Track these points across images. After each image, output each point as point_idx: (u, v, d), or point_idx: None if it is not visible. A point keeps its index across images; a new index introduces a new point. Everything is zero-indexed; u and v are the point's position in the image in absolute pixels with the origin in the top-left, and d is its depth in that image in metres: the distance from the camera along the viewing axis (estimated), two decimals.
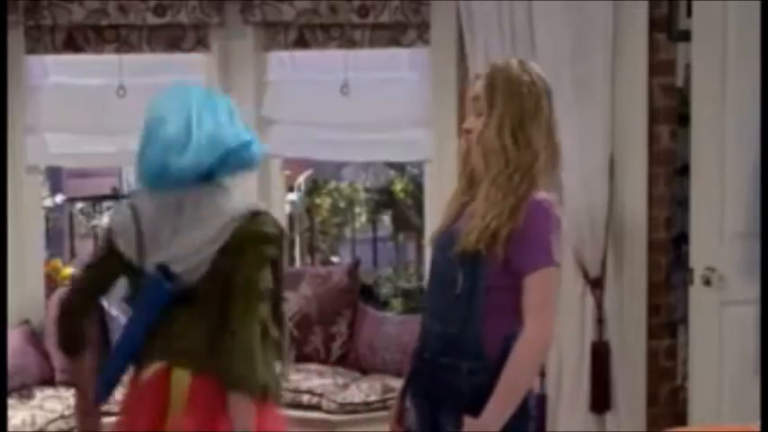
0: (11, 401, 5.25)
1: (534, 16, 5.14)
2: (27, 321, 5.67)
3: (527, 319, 3.33)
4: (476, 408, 3.30)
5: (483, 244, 3.31)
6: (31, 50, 5.64)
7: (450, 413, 3.39)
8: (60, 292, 5.39)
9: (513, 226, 3.30)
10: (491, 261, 3.33)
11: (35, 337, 5.61)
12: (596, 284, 5.25)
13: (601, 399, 5.26)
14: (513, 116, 3.40)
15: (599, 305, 5.25)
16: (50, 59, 5.78)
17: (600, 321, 5.25)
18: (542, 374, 5.02)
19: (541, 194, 3.36)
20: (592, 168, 5.17)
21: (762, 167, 4.52)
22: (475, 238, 3.32)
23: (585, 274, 5.24)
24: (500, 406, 3.30)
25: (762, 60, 4.58)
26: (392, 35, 5.68)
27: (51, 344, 5.56)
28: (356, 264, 6.06)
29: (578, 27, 5.11)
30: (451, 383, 3.40)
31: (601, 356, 5.25)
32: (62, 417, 5.20)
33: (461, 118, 5.53)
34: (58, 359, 5.54)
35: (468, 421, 3.31)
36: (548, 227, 3.36)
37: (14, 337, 5.54)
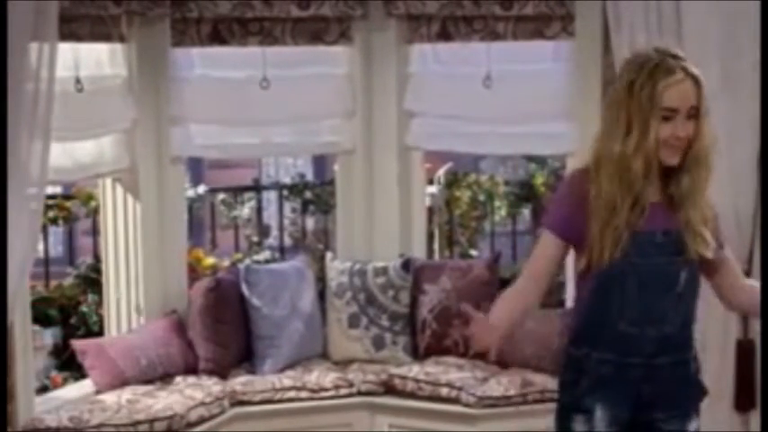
0: (152, 388, 5.34)
1: (682, 6, 5.05)
2: (174, 311, 5.75)
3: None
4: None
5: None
6: (178, 43, 5.71)
7: (677, 408, 3.65)
8: None
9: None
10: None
11: (180, 327, 5.69)
12: None
13: (745, 397, 5.16)
14: None
15: None
16: (196, 52, 5.85)
17: (745, 319, 5.14)
18: None
19: None
20: (740, 162, 5.06)
21: (762, 166, 4.46)
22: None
23: None
24: None
25: (762, 60, 4.61)
26: (536, 27, 5.64)
27: (195, 333, 5.63)
28: (496, 257, 6.03)
29: (727, 17, 5.00)
30: (682, 376, 3.63)
31: (746, 354, 5.14)
32: (202, 404, 5.25)
33: None
34: (201, 348, 5.61)
35: None
36: None
37: (160, 327, 5.63)
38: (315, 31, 5.85)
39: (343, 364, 5.79)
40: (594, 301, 3.60)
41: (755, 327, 5.12)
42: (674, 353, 3.60)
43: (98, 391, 5.34)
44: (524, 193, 8.73)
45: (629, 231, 3.49)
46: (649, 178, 3.50)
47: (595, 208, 3.51)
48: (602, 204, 3.50)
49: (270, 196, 9.86)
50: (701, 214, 3.55)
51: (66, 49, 5.00)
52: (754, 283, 3.84)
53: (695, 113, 3.48)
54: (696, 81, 3.48)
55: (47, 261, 7.03)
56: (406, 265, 5.86)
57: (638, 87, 3.46)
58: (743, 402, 5.16)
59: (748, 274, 5.07)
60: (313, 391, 5.53)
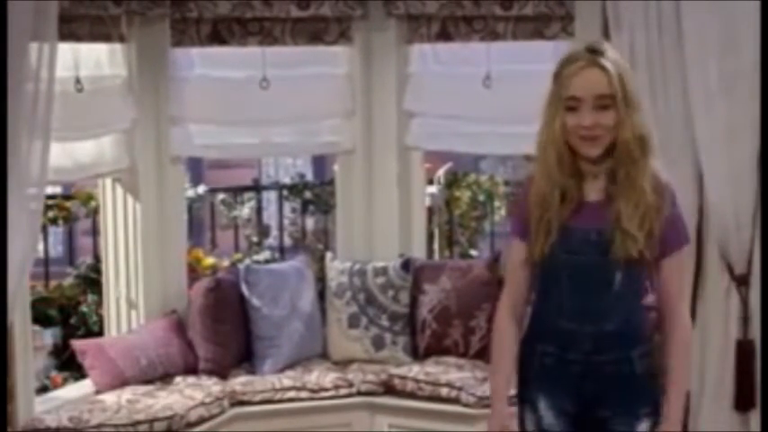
0: (152, 389, 5.34)
1: (682, 6, 5.05)
2: (174, 311, 5.75)
3: (676, 305, 3.56)
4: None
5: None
6: (177, 43, 5.71)
7: (623, 407, 3.60)
8: None
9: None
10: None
11: (180, 327, 5.69)
12: (742, 281, 5.14)
13: (745, 397, 5.16)
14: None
15: (744, 303, 5.14)
16: (196, 52, 5.85)
17: (745, 319, 5.14)
18: None
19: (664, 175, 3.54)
20: (739, 162, 5.06)
21: (761, 166, 4.48)
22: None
23: (731, 271, 5.14)
24: (680, 394, 3.55)
25: (762, 60, 4.62)
26: (536, 27, 5.64)
27: (195, 333, 5.64)
28: (496, 257, 6.02)
29: (727, 17, 5.00)
30: (626, 373, 3.57)
31: (746, 355, 5.14)
32: (202, 404, 5.25)
33: None
34: (201, 348, 5.62)
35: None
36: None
37: (160, 327, 5.63)
38: (314, 32, 5.85)
39: (343, 364, 5.79)
40: (537, 297, 3.68)
41: (755, 327, 5.12)
42: (616, 351, 3.58)
43: (98, 392, 5.34)
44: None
45: (562, 227, 3.53)
46: (570, 171, 3.52)
47: (533, 204, 3.57)
48: (536, 200, 3.56)
49: (270, 196, 9.86)
50: (633, 211, 3.47)
51: (65, 50, 5.00)
52: (679, 350, 3.61)
53: (610, 103, 3.44)
54: (604, 69, 3.43)
55: (47, 261, 7.03)
56: (406, 265, 5.86)
57: (553, 79, 3.52)
58: (743, 402, 5.16)
59: (748, 274, 5.08)
60: (313, 391, 5.54)
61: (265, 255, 7.72)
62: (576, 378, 3.61)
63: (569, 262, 3.55)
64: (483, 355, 5.71)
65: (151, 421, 5.03)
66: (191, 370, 5.59)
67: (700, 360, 5.18)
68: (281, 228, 8.59)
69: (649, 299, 3.63)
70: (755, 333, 5.13)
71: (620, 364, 3.59)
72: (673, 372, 3.55)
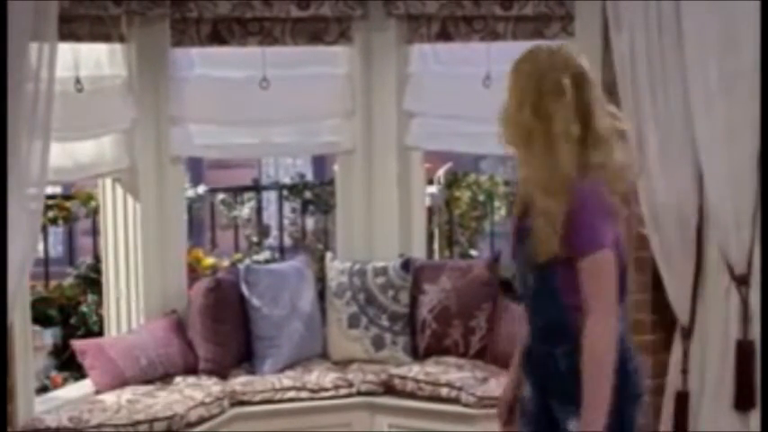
0: (152, 389, 5.34)
1: (682, 6, 5.04)
2: (174, 311, 5.75)
3: (589, 310, 3.51)
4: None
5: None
6: (177, 43, 5.72)
7: (557, 398, 3.67)
8: None
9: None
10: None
11: (180, 327, 5.69)
12: (742, 281, 5.13)
13: (745, 397, 5.15)
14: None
15: (744, 303, 5.14)
16: (196, 52, 5.86)
17: (745, 319, 5.14)
18: (685, 371, 5.00)
19: (586, 180, 3.48)
20: (739, 162, 5.05)
21: (761, 166, 4.47)
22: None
23: (731, 271, 5.13)
24: (590, 407, 3.47)
25: (762, 60, 4.59)
26: (536, 27, 5.64)
27: (195, 333, 5.64)
28: (496, 257, 6.03)
29: (727, 17, 5.00)
30: (552, 369, 3.66)
31: (746, 355, 5.14)
32: (202, 404, 5.26)
33: None
34: (201, 348, 5.62)
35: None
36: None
37: (160, 327, 5.63)
38: (314, 32, 5.86)
39: (343, 364, 5.79)
40: None
41: (755, 327, 5.12)
42: (545, 346, 3.69)
43: (98, 392, 5.34)
44: None
45: (514, 232, 3.73)
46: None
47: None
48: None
49: (269, 196, 9.85)
50: (541, 216, 3.50)
51: (65, 50, 5.00)
52: (584, 358, 3.54)
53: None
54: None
55: (47, 261, 7.03)
56: (406, 265, 5.86)
57: None
58: (743, 402, 5.15)
59: (748, 274, 5.08)
60: (313, 391, 5.54)
61: (265, 255, 7.71)
62: (529, 366, 3.80)
63: (516, 264, 3.81)
64: (483, 355, 5.72)
65: (151, 421, 5.03)
66: (191, 370, 5.59)
67: (700, 360, 5.18)
68: (280, 228, 8.58)
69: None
70: (756, 333, 5.13)
71: (547, 359, 3.68)
72: (583, 383, 3.52)
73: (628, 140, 3.69)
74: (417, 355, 5.82)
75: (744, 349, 5.11)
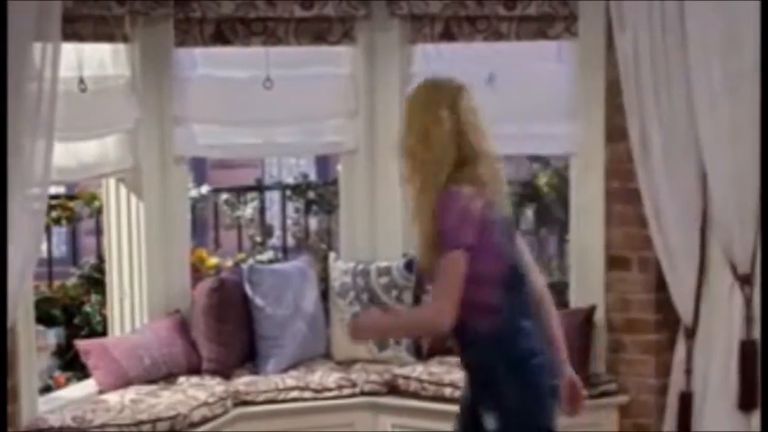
0: (155, 388, 5.34)
1: (685, 6, 5.05)
2: (178, 311, 5.75)
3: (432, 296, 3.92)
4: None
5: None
6: (181, 43, 5.71)
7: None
8: None
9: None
10: None
11: (183, 327, 5.69)
12: (745, 281, 5.14)
13: (748, 397, 5.16)
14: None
15: (748, 302, 5.14)
16: (199, 52, 5.85)
17: (749, 319, 5.14)
18: (688, 371, 5.00)
19: (453, 186, 3.79)
20: (742, 162, 5.05)
21: (762, 165, 4.48)
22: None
23: (734, 270, 5.14)
24: (383, 324, 4.05)
25: (762, 60, 4.62)
26: (539, 27, 5.65)
27: (198, 333, 5.64)
28: None
29: (730, 17, 5.00)
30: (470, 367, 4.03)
31: (750, 355, 5.14)
32: (206, 404, 5.25)
33: (609, 111, 5.50)
34: (205, 348, 5.62)
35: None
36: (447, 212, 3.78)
37: (164, 327, 5.63)
38: (318, 32, 5.85)
39: (347, 364, 5.79)
40: None
41: (758, 327, 5.12)
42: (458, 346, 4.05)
43: (101, 391, 5.34)
44: (527, 193, 8.73)
45: None
46: None
47: None
48: None
49: (273, 196, 9.83)
50: (419, 235, 3.88)
51: (69, 50, 4.99)
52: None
53: None
54: None
55: (50, 261, 7.04)
56: (410, 264, 5.86)
57: None
58: (747, 402, 5.15)
59: (752, 274, 5.08)
60: (316, 391, 5.54)
61: (268, 255, 7.72)
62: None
63: None
64: None
65: (154, 421, 5.03)
66: (194, 370, 5.59)
67: (703, 360, 5.18)
68: (284, 228, 8.59)
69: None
70: (759, 333, 5.13)
71: (462, 357, 4.05)
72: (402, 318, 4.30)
73: (496, 158, 3.94)
74: (421, 355, 5.82)
75: (747, 349, 5.12)
